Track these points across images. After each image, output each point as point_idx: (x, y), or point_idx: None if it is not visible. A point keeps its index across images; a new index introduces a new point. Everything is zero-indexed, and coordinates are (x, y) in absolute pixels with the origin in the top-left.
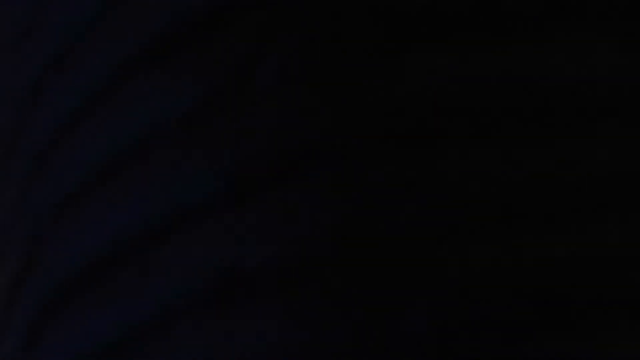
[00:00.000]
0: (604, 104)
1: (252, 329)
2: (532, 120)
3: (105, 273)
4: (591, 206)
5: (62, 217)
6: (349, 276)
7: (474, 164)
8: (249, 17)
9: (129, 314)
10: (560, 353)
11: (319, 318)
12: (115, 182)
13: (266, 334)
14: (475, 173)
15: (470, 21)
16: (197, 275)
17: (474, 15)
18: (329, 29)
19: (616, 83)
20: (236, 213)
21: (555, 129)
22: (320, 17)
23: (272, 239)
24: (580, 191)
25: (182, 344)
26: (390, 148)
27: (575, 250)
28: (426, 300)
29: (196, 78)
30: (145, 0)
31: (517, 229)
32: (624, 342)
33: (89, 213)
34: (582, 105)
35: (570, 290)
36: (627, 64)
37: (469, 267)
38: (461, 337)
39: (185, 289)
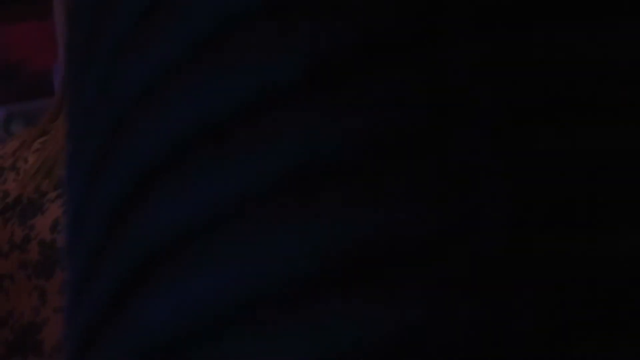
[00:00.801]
0: None
1: (328, 219)
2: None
3: (185, 157)
4: None
5: (143, 103)
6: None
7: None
8: None
9: (205, 197)
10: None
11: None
12: (195, 67)
13: (347, 224)
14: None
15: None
16: (273, 164)
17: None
18: None
19: None
20: (318, 99)
21: None
22: None
23: (349, 130)
24: None
25: (256, 232)
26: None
27: None
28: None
29: None
30: None
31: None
32: None
33: (169, 99)
34: None
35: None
36: None
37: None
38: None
39: (261, 177)
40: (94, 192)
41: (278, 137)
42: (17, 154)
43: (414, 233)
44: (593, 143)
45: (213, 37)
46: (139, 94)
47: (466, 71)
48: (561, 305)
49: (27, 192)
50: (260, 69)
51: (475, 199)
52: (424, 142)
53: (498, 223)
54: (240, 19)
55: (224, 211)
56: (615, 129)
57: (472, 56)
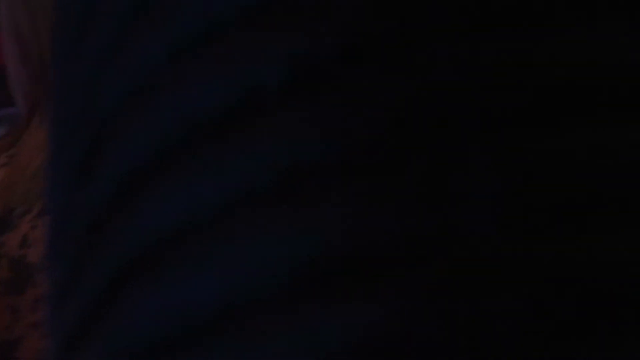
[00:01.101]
0: None
1: (314, 221)
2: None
3: (171, 160)
4: None
5: (130, 106)
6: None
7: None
8: None
9: (191, 199)
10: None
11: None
12: (183, 68)
13: (332, 226)
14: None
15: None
16: (259, 170)
17: None
18: None
19: None
20: (303, 101)
21: None
22: None
23: (336, 131)
24: None
25: (242, 235)
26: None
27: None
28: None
29: None
30: None
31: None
32: None
33: (159, 98)
34: None
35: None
36: None
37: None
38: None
39: (245, 183)
40: (78, 195)
41: (263, 140)
42: None
43: (401, 234)
44: (584, 143)
45: (199, 41)
46: (125, 97)
47: (452, 72)
48: (554, 307)
49: None
50: (245, 71)
51: (464, 200)
52: (411, 143)
53: (488, 224)
54: (225, 23)
55: (209, 214)
56: (606, 128)
57: (458, 57)
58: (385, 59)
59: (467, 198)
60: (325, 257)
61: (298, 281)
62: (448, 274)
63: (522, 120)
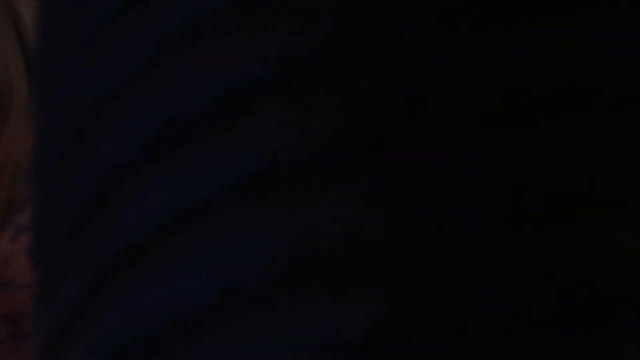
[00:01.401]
0: None
1: (313, 220)
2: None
3: (152, 159)
4: None
5: (114, 103)
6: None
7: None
8: None
9: (171, 199)
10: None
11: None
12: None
13: (330, 226)
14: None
15: None
16: (241, 166)
17: None
18: None
19: None
20: (287, 100)
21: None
22: None
23: (332, 131)
24: None
25: (238, 233)
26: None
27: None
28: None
29: None
30: None
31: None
32: None
33: (138, 98)
34: None
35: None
36: None
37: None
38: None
39: (241, 182)
40: (59, 194)
41: (246, 138)
42: None
43: (400, 234)
44: (584, 143)
45: (183, 39)
46: (107, 95)
47: (450, 71)
48: (554, 307)
49: None
50: (234, 69)
51: (464, 200)
52: (410, 143)
53: (489, 224)
54: (211, 20)
55: (200, 212)
56: (607, 128)
57: (456, 56)
58: (382, 57)
59: (468, 198)
60: (324, 257)
61: (296, 281)
62: (449, 274)
63: (522, 120)
